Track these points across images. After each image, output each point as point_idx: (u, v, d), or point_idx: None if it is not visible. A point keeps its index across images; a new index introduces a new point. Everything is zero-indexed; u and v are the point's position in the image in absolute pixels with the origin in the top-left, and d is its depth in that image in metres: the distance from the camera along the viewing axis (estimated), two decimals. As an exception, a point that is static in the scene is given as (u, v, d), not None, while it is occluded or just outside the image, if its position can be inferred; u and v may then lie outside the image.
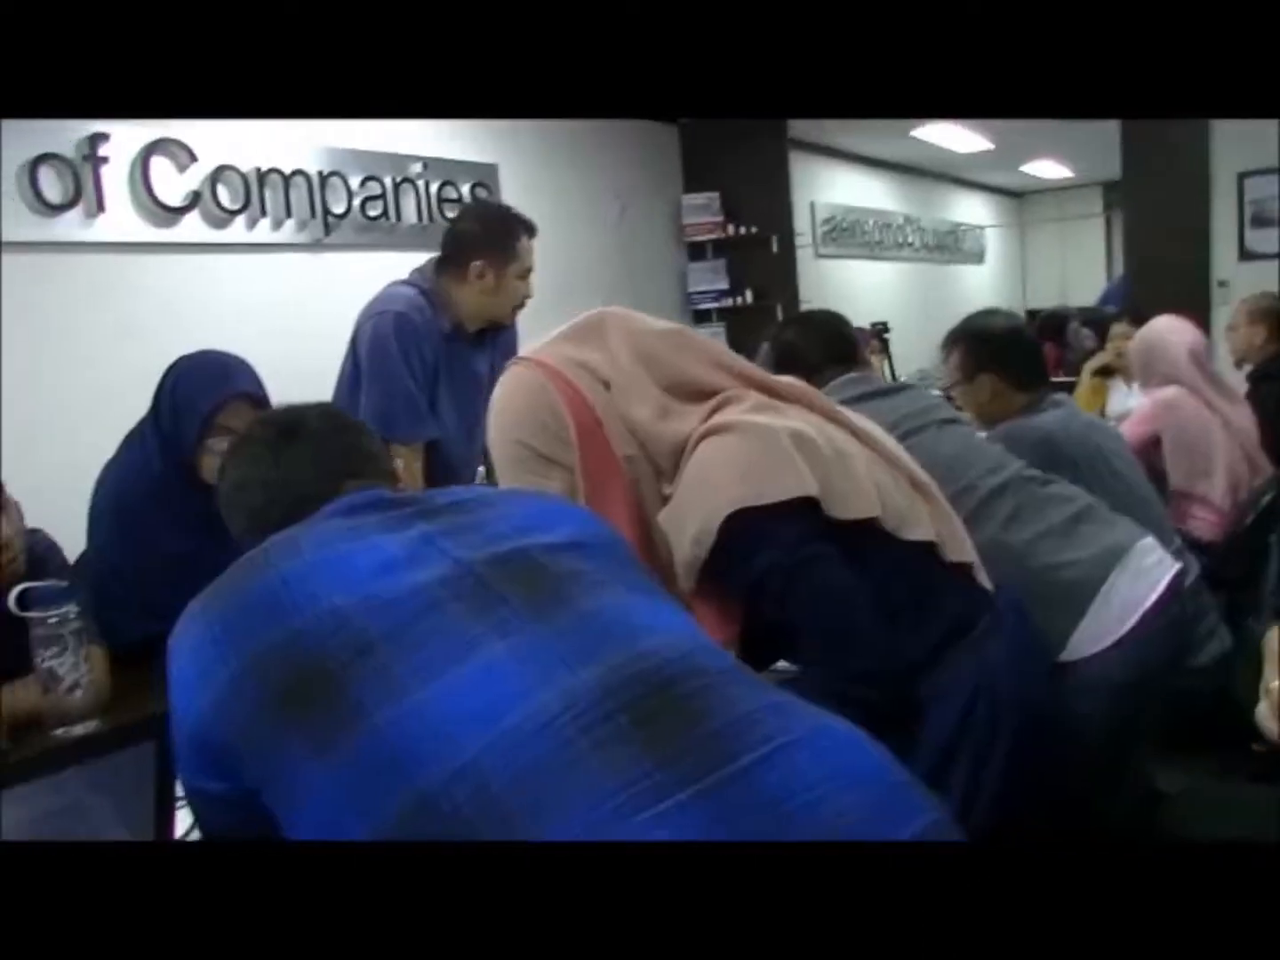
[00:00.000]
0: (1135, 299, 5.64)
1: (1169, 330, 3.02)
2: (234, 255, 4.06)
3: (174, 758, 0.91)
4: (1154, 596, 1.66)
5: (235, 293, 4.04)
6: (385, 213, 4.56)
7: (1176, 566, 1.74)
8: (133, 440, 1.95)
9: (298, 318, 4.14)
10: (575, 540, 0.97)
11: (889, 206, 9.66)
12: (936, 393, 2.55)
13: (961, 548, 1.41)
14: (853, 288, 8.62)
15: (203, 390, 1.89)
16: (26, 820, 1.30)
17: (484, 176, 5.06)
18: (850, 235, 8.73)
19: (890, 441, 1.49)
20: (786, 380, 1.46)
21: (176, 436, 1.87)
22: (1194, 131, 5.24)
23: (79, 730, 1.55)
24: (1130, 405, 3.63)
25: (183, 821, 1.38)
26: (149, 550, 1.86)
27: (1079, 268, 12.14)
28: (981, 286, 11.71)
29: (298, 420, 1.13)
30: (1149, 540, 1.75)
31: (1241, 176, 5.18)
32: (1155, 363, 2.97)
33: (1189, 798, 1.90)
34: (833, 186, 8.46)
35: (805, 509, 1.25)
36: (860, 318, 6.69)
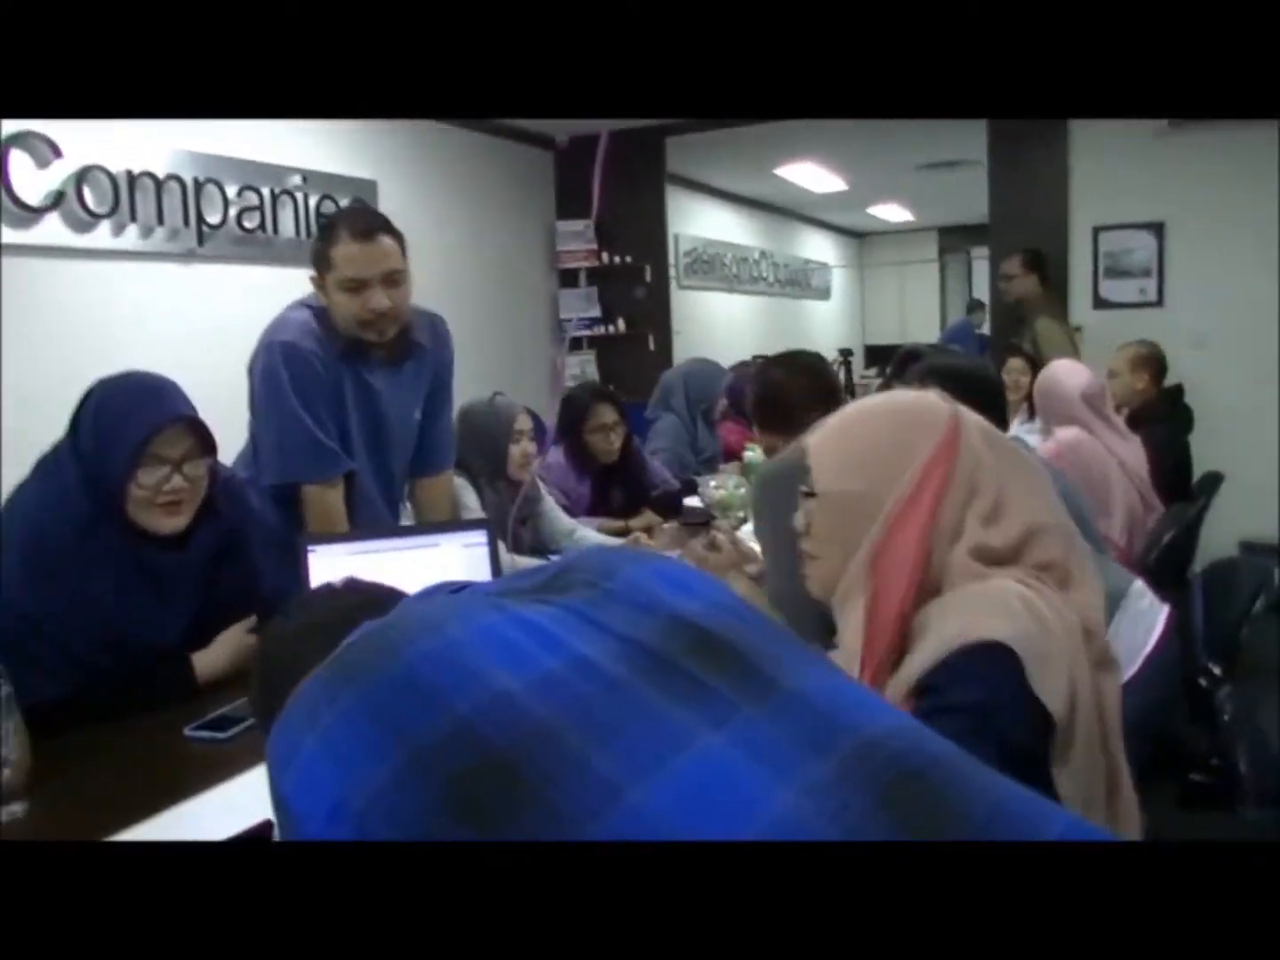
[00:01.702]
0: (999, 338, 5.90)
1: (1065, 374, 3.14)
2: (98, 262, 3.74)
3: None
4: (1153, 640, 1.68)
5: (100, 300, 3.73)
6: (262, 225, 4.29)
7: (1166, 609, 1.76)
8: (46, 470, 1.71)
9: (169, 331, 3.86)
10: (725, 605, 0.87)
11: (746, 241, 9.83)
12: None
13: None
14: (714, 319, 8.72)
15: (133, 415, 1.67)
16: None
17: (363, 192, 4.86)
18: (710, 268, 8.83)
19: None
20: None
21: (101, 466, 1.65)
22: (1054, 184, 5.50)
23: (5, 815, 1.33)
24: (1022, 435, 3.75)
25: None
26: (70, 596, 1.63)
27: (916, 308, 12.67)
28: (827, 322, 12.07)
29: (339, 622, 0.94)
30: (1140, 583, 1.77)
31: (1097, 230, 5.45)
32: (1054, 404, 3.10)
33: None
34: (694, 219, 8.54)
35: None
36: (721, 349, 6.75)
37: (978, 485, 1.12)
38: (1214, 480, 3.81)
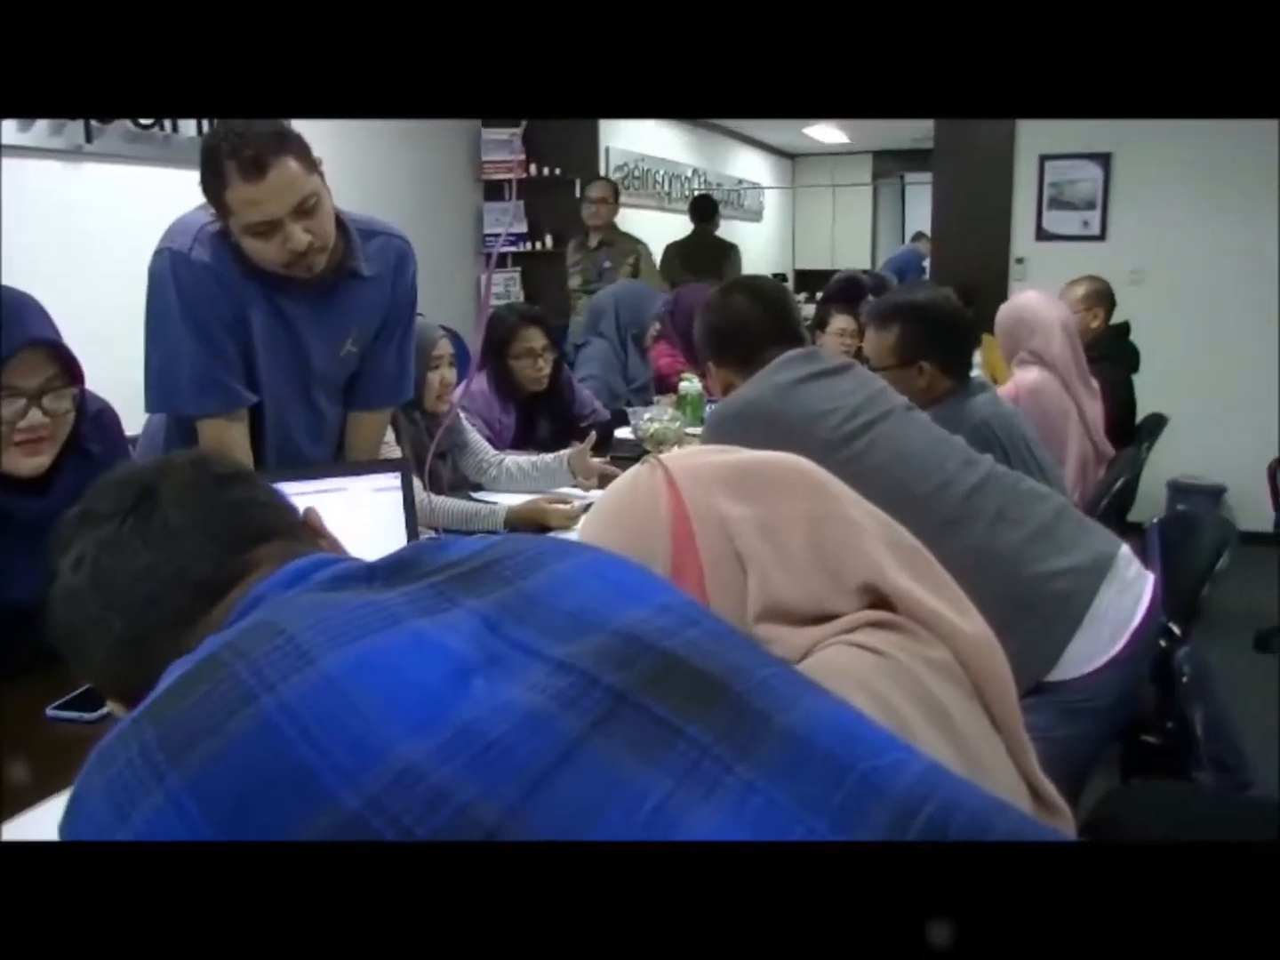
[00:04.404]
0: (937, 271, 5.76)
1: (1043, 305, 2.96)
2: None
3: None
4: (1141, 612, 1.56)
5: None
6: (159, 121, 3.93)
7: (1151, 576, 1.64)
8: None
9: (50, 241, 3.50)
10: (676, 609, 0.68)
11: (679, 158, 9.52)
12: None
13: None
14: (646, 238, 8.43)
15: (-20, 336, 1.43)
16: None
17: (272, 88, 4.49)
18: (642, 184, 8.53)
19: None
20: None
21: (-57, 397, 1.41)
22: (1001, 109, 5.33)
23: None
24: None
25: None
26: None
27: (847, 232, 12.50)
28: (759, 244, 11.84)
29: (153, 477, 0.77)
30: (1126, 549, 1.64)
31: (1043, 159, 5.30)
32: (1027, 337, 2.90)
33: (1120, 797, 1.84)
34: (626, 132, 8.20)
35: None
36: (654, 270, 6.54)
37: (739, 551, 0.91)
38: (1158, 422, 3.73)
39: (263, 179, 1.72)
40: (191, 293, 1.83)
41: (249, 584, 0.71)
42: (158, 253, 1.86)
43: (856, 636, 0.87)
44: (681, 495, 0.94)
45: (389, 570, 0.69)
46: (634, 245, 5.40)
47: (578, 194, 6.27)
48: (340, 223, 1.88)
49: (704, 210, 6.76)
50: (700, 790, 0.54)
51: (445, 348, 2.63)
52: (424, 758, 0.52)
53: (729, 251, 6.63)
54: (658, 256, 6.14)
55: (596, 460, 2.82)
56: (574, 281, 5.39)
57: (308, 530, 0.83)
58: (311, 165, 1.79)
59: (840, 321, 4.25)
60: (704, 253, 6.48)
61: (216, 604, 0.71)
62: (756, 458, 0.98)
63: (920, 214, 9.00)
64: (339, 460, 2.10)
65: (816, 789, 0.55)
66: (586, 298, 4.89)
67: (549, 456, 2.82)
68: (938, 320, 2.05)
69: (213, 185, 1.77)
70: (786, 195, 13.01)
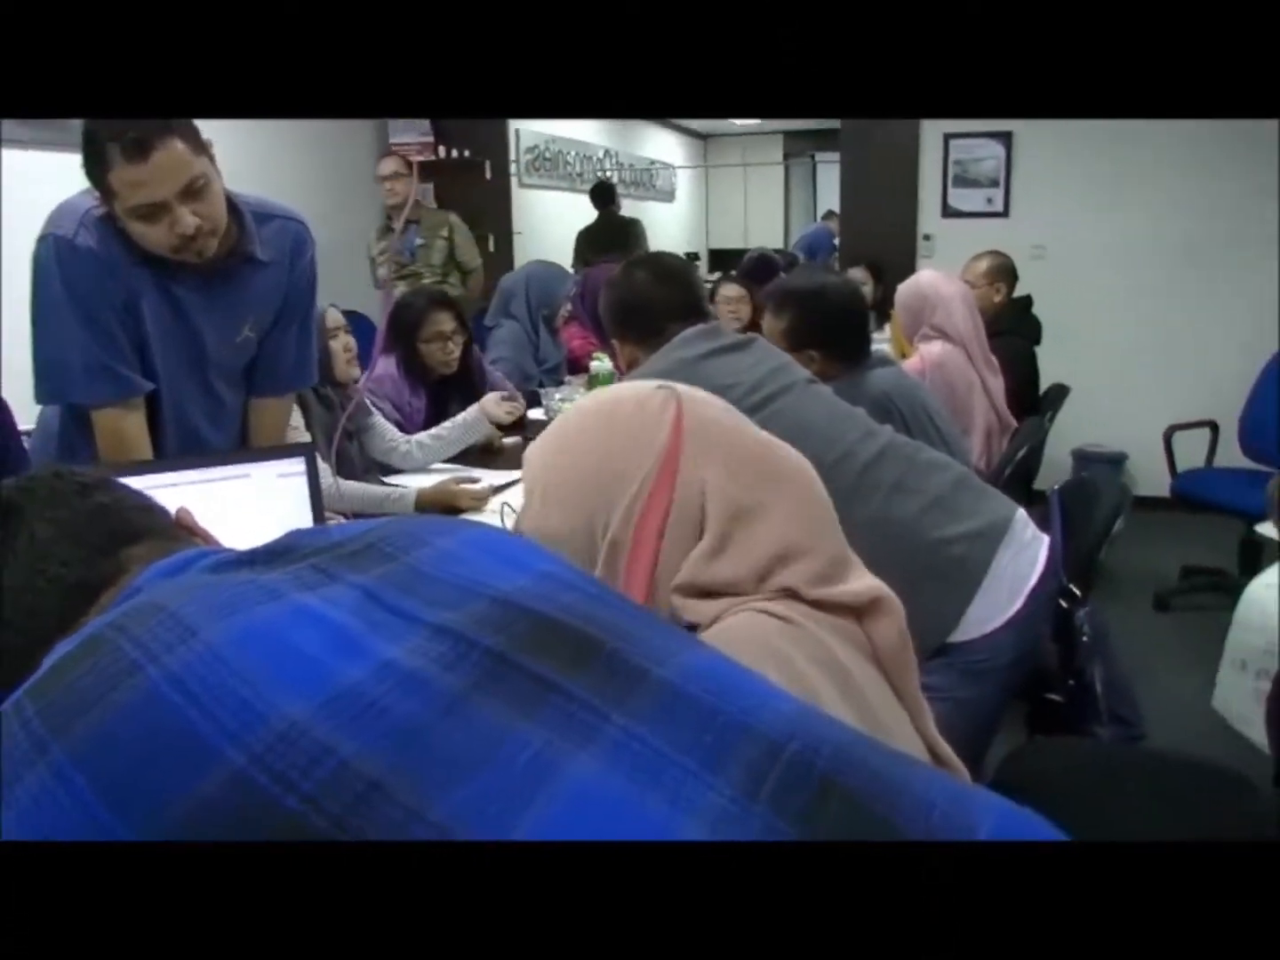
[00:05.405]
0: (846, 248, 5.83)
1: (942, 282, 3.02)
2: None
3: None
4: (1036, 573, 1.60)
5: None
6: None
7: (1046, 539, 1.69)
8: None
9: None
10: (559, 576, 0.69)
11: (590, 139, 9.49)
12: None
13: None
14: (557, 220, 8.41)
15: None
16: None
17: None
18: (553, 166, 8.49)
19: None
20: None
21: None
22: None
23: None
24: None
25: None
26: None
27: (759, 211, 12.59)
28: (671, 224, 11.85)
29: (16, 495, 0.77)
30: (1022, 513, 1.68)
31: (947, 137, 5.39)
32: (929, 313, 2.95)
33: (1029, 753, 1.89)
34: (537, 113, 8.15)
35: None
36: (565, 251, 6.52)
37: (704, 519, 0.91)
38: (1060, 392, 3.82)
39: (146, 160, 1.65)
40: (78, 279, 1.77)
41: (124, 582, 0.71)
42: (41, 239, 1.79)
43: (761, 603, 0.89)
44: (683, 438, 0.93)
45: (268, 554, 0.69)
46: (444, 218, 4.94)
47: (487, 176, 6.22)
48: (233, 206, 1.83)
49: (604, 196, 6.99)
50: (578, 739, 0.55)
51: (335, 317, 2.62)
52: (306, 717, 0.53)
53: (630, 226, 6.77)
54: (562, 240, 6.14)
55: (508, 405, 2.83)
56: (383, 271, 4.78)
57: (181, 529, 0.83)
58: (200, 146, 1.73)
59: (728, 290, 4.30)
60: (610, 232, 6.60)
61: (93, 604, 0.71)
62: (766, 444, 0.98)
63: (831, 192, 9.06)
64: (242, 447, 2.06)
65: (688, 732, 0.57)
66: (405, 284, 4.53)
67: (461, 414, 2.82)
68: (828, 309, 2.07)
69: (95, 168, 1.70)
70: (699, 175, 13.05)
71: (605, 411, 0.98)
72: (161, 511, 0.83)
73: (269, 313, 1.98)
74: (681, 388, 0.98)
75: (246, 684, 0.54)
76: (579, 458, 0.96)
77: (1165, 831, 1.48)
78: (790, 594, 0.90)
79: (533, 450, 1.01)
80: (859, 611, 0.91)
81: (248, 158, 4.52)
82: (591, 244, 6.46)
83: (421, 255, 4.73)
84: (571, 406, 1.05)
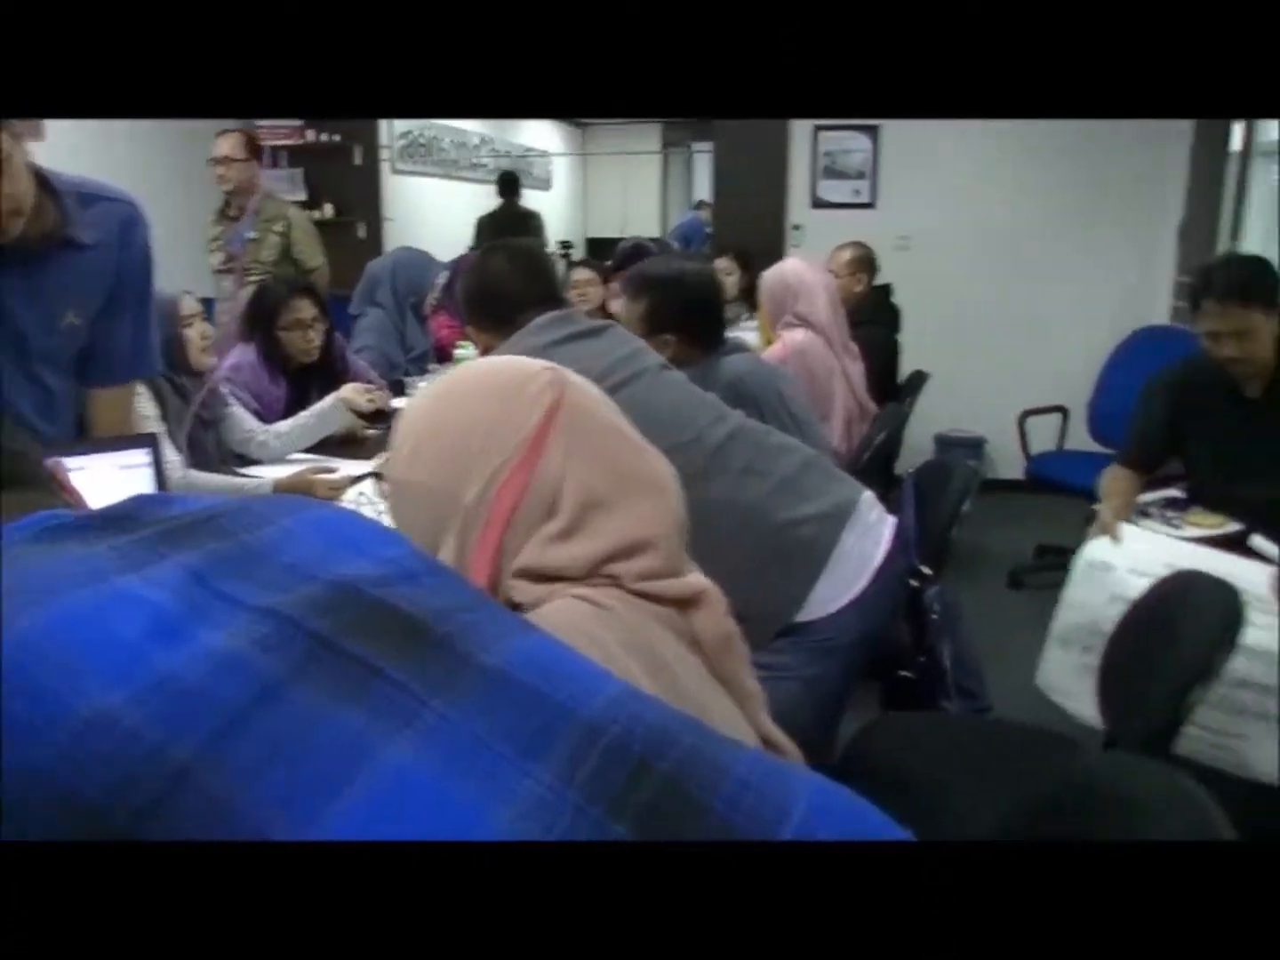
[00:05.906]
0: (718, 237, 5.89)
1: (806, 270, 3.07)
2: None
3: None
4: (881, 553, 1.65)
5: None
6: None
7: (892, 520, 1.74)
8: None
9: None
10: (400, 562, 0.68)
11: (465, 125, 9.37)
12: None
13: None
14: (430, 207, 8.29)
15: None
16: None
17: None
18: (427, 152, 8.36)
19: None
20: None
21: None
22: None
23: None
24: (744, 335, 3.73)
25: None
26: None
27: (637, 200, 12.62)
28: (547, 212, 11.77)
29: None
30: (869, 495, 1.73)
31: (817, 129, 5.49)
32: (792, 302, 3.00)
33: (879, 728, 1.95)
34: (409, 98, 8.02)
35: None
36: (437, 239, 6.44)
37: (558, 502, 0.92)
38: (919, 378, 3.94)
39: None
40: None
41: None
42: None
43: (582, 589, 0.90)
44: (555, 425, 0.92)
45: (104, 520, 0.66)
46: (282, 211, 4.34)
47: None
48: (51, 187, 1.75)
49: (509, 185, 7.28)
50: (397, 723, 0.55)
51: (191, 305, 2.53)
52: (117, 706, 0.51)
53: (529, 219, 6.92)
54: (435, 227, 6.06)
55: (369, 394, 2.80)
56: (214, 260, 4.24)
57: (55, 483, 0.79)
58: None
59: (580, 274, 4.33)
60: (510, 224, 6.70)
61: None
62: (638, 450, 0.98)
63: (707, 182, 9.17)
64: (79, 439, 1.98)
65: (510, 718, 0.57)
66: (230, 278, 4.19)
67: (318, 404, 2.78)
68: (684, 296, 2.10)
69: None
70: (577, 163, 13.01)
71: (488, 381, 0.97)
72: (36, 462, 0.79)
73: (96, 298, 1.88)
74: (571, 375, 0.98)
75: (58, 676, 0.52)
76: (454, 420, 0.95)
77: (1002, 788, 1.55)
78: (614, 582, 0.90)
79: (415, 401, 1.00)
80: (681, 603, 0.93)
81: (108, 133, 4.36)
82: (494, 233, 6.44)
83: (250, 250, 4.19)
84: (463, 365, 1.04)
